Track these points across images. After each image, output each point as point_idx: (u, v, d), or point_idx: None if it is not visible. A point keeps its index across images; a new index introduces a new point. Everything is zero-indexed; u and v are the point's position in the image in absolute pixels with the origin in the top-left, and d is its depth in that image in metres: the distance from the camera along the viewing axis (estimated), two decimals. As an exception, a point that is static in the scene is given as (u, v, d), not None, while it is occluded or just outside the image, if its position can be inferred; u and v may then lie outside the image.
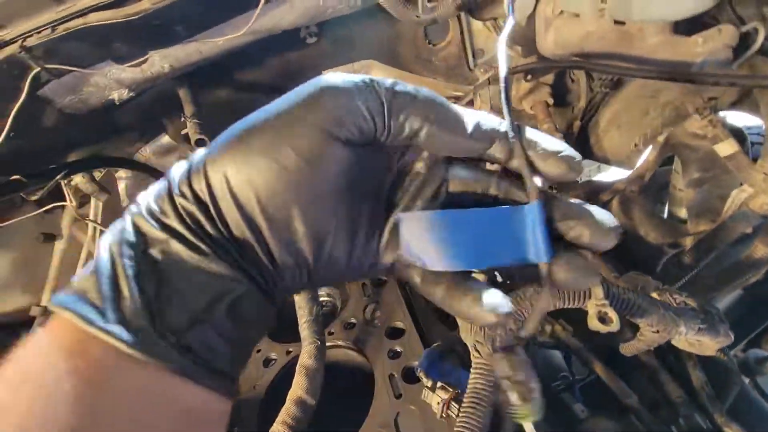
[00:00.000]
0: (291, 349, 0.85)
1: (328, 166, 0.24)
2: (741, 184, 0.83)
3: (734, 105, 0.94)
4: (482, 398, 0.49)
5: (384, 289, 0.89)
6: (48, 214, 0.96)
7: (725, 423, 0.65)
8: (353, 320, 0.85)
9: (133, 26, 0.64)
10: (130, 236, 0.23)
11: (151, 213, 0.23)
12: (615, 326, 0.46)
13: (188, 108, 0.96)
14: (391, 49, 1.21)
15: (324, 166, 0.24)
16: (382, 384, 0.68)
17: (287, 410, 0.61)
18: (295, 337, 0.75)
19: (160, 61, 0.77)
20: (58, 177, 0.78)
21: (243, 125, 0.25)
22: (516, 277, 0.83)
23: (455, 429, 0.49)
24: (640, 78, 0.62)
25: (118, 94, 0.80)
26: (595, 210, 0.26)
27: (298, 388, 0.64)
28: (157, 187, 0.25)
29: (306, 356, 0.68)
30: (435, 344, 0.64)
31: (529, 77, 1.03)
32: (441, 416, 0.57)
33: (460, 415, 0.49)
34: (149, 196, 0.24)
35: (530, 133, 0.27)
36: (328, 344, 0.78)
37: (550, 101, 1.10)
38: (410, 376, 0.65)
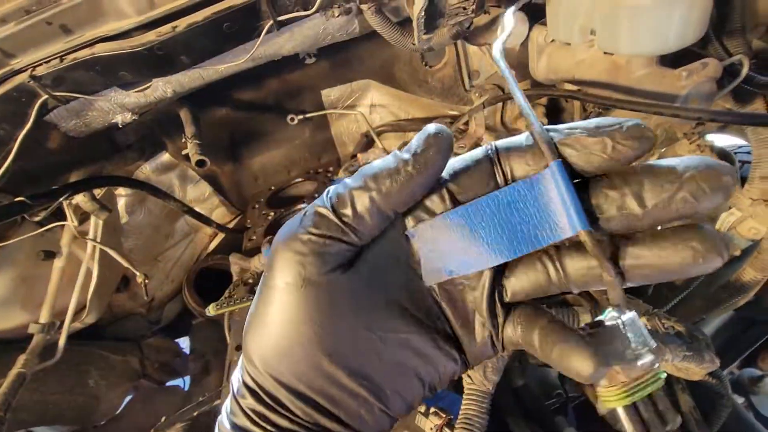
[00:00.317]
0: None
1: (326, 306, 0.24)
2: (730, 207, 0.85)
3: (722, 128, 0.97)
4: (474, 424, 0.50)
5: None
6: (48, 232, 0.97)
7: (714, 447, 0.66)
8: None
9: (138, 56, 0.66)
10: None
11: (227, 413, 0.27)
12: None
13: (189, 129, 0.98)
14: (388, 70, 1.24)
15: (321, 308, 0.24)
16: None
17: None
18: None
19: (163, 87, 0.80)
20: (61, 198, 0.79)
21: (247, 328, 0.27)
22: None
23: (448, 454, 0.50)
24: (627, 110, 0.64)
25: (121, 118, 0.82)
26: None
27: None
28: (231, 388, 0.28)
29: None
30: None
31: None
32: (435, 440, 0.58)
33: (453, 440, 0.50)
34: (229, 398, 0.27)
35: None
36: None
37: (545, 121, 1.13)
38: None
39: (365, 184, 0.24)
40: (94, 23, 0.66)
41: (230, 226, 1.37)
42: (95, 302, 1.04)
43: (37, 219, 0.87)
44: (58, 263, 1.00)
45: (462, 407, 0.51)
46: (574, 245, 0.24)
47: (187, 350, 1.44)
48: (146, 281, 0.98)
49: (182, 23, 0.66)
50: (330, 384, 0.24)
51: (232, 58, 0.77)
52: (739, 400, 1.15)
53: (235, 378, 0.27)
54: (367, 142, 1.29)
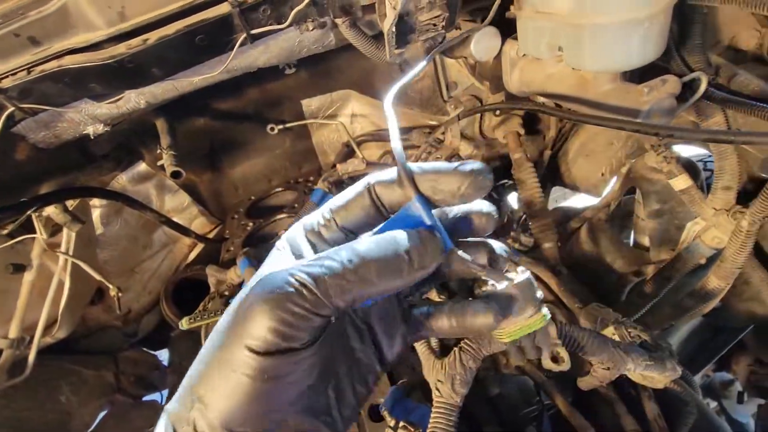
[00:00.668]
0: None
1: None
2: (696, 216, 0.88)
3: (687, 140, 1.00)
4: (443, 437, 0.50)
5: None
6: (18, 244, 0.95)
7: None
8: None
9: (108, 69, 0.66)
10: None
11: None
12: (566, 366, 0.48)
13: (164, 139, 0.97)
14: (367, 81, 1.25)
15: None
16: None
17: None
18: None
19: (136, 98, 0.79)
20: (29, 211, 0.77)
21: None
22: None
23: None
24: (593, 125, 0.66)
25: (93, 129, 0.81)
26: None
27: None
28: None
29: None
30: (401, 381, 0.65)
31: (497, 112, 1.08)
32: (405, 454, 0.58)
33: (422, 453, 0.50)
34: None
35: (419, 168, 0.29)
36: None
37: (521, 131, 1.15)
38: (375, 414, 0.65)
39: (364, 276, 0.25)
40: (63, 35, 0.65)
41: (210, 236, 1.35)
42: (67, 316, 1.02)
43: (5, 231, 0.85)
44: (28, 276, 0.98)
45: (431, 421, 0.51)
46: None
47: (165, 363, 1.41)
48: (119, 294, 0.96)
49: (153, 36, 0.66)
50: None
51: (206, 69, 0.77)
52: (712, 404, 1.18)
53: (183, 417, 0.26)
54: (348, 152, 1.30)
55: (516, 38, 0.85)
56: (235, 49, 0.71)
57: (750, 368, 1.20)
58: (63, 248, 0.95)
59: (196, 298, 1.07)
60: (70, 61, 0.65)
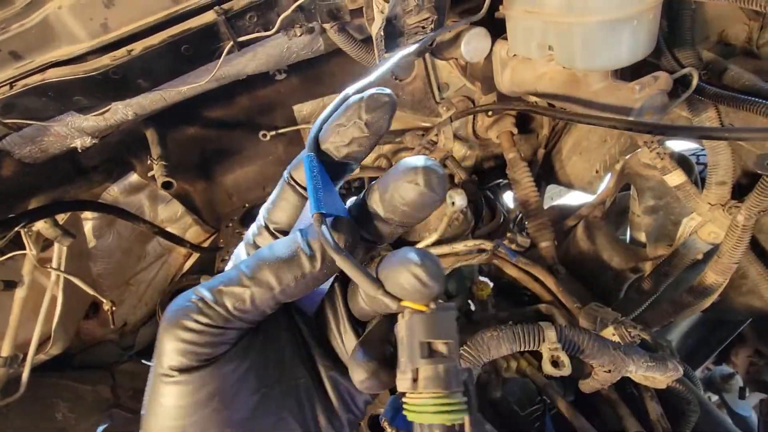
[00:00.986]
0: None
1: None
2: (692, 212, 0.88)
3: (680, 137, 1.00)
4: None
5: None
6: (9, 260, 0.93)
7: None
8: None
9: (93, 81, 0.65)
10: None
11: None
12: (567, 371, 0.48)
13: (155, 150, 0.96)
14: (359, 85, 1.24)
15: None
16: (348, 431, 0.67)
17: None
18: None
19: (123, 109, 0.78)
20: (17, 227, 0.76)
21: None
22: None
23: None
24: (585, 124, 0.65)
25: (80, 142, 0.80)
26: None
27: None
28: None
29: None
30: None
31: (490, 112, 1.07)
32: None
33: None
34: None
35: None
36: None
37: (515, 131, 1.15)
38: (375, 425, 0.64)
39: (260, 279, 0.24)
40: (46, 48, 0.64)
41: (205, 245, 1.34)
42: (61, 332, 1.00)
43: (-7, 249, 0.83)
44: (19, 293, 0.96)
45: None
46: None
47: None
48: (113, 308, 0.95)
49: (138, 47, 0.65)
50: None
51: (194, 79, 0.76)
52: (714, 398, 1.18)
53: None
54: (341, 156, 1.29)
55: (506, 38, 0.84)
56: (222, 58, 0.70)
57: (749, 359, 1.20)
58: (54, 263, 0.94)
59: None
60: (53, 75, 0.63)
